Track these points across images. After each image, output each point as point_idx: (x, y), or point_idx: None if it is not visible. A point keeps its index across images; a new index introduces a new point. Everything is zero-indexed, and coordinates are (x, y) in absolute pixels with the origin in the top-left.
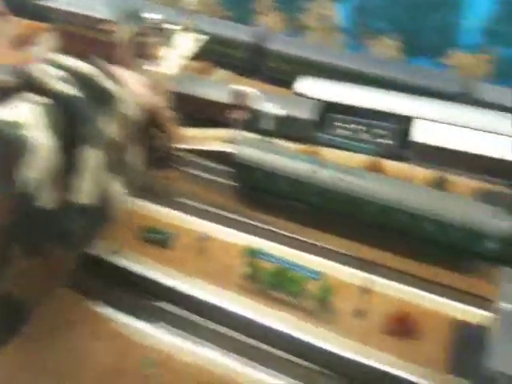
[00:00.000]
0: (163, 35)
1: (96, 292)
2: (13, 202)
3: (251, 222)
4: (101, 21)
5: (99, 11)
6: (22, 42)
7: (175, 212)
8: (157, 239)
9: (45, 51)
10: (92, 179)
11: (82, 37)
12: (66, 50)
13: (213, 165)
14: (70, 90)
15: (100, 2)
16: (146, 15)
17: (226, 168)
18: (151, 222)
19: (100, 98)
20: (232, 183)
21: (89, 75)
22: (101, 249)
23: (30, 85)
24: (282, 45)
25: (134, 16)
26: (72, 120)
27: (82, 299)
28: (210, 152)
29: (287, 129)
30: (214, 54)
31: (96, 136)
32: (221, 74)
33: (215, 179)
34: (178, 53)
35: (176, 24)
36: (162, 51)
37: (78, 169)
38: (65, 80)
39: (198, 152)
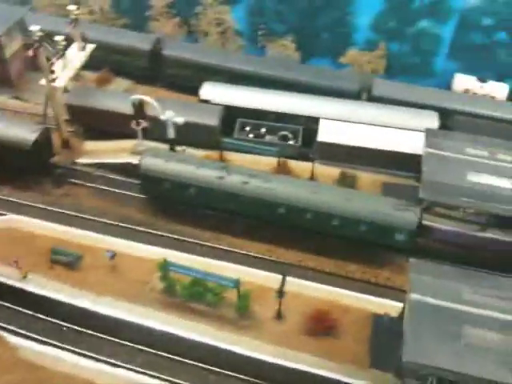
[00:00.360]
0: (53, 46)
1: (6, 321)
2: None
3: (162, 233)
4: None
5: None
6: None
7: (81, 231)
8: (64, 261)
9: None
10: None
11: None
12: None
13: (119, 178)
14: None
15: None
16: (33, 27)
17: (133, 180)
18: (58, 243)
19: None
20: (139, 195)
21: None
22: (8, 275)
23: None
24: (180, 51)
25: (20, 29)
26: None
27: None
28: (115, 165)
29: (190, 136)
30: (111, 62)
31: None
32: (121, 82)
33: (122, 192)
34: (68, 64)
35: (65, 34)
36: (53, 63)
37: None
38: None
39: (102, 165)
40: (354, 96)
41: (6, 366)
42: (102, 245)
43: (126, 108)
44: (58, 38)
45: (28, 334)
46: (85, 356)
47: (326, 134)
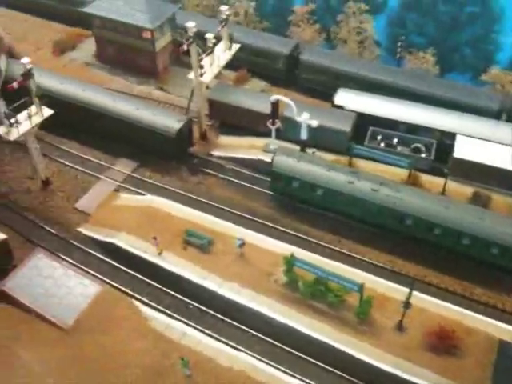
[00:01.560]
0: (202, 43)
1: (139, 291)
2: None
3: (286, 230)
4: (140, 28)
5: (138, 19)
6: (63, 47)
7: (214, 218)
8: (196, 243)
9: (83, 56)
10: None
11: (120, 44)
12: (103, 57)
13: (249, 172)
14: None
15: (139, 10)
16: (189, 23)
17: (261, 176)
18: (191, 226)
19: None
20: (267, 191)
21: None
22: (145, 250)
23: None
24: (317, 56)
25: (171, 25)
26: None
27: (125, 298)
28: (246, 160)
29: (321, 139)
30: (250, 63)
31: None
32: (256, 83)
33: (251, 186)
34: (214, 61)
35: (214, 33)
36: (201, 59)
37: None
38: None
39: (234, 159)
40: (494, 115)
41: (139, 334)
42: (231, 233)
43: (262, 107)
44: (209, 35)
45: (158, 306)
46: (207, 335)
47: (463, 150)
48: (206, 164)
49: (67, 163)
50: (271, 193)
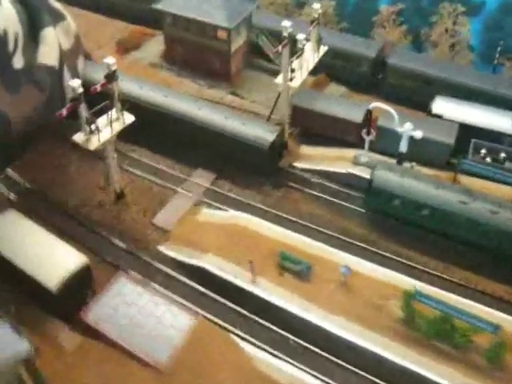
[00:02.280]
0: (290, 46)
1: (232, 322)
2: None
3: (384, 253)
4: (216, 28)
5: (215, 18)
6: (127, 46)
7: (308, 239)
8: (293, 269)
9: (148, 56)
10: (55, 51)
11: (191, 44)
12: (171, 57)
13: (337, 187)
14: None
15: (216, 7)
16: (285, 23)
17: (351, 192)
18: (283, 248)
19: (50, 10)
20: (358, 208)
21: None
22: (236, 275)
23: None
24: (406, 60)
25: (247, 24)
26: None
27: (221, 331)
28: (334, 173)
29: (419, 152)
30: (329, 67)
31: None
32: (335, 88)
33: (341, 203)
34: (303, 65)
35: (302, 35)
36: (289, 63)
37: (45, 41)
38: None
39: (320, 172)
40: None
41: (243, 377)
42: (329, 256)
43: (353, 115)
44: (300, 37)
45: (258, 343)
46: (316, 377)
47: None
48: (289, 176)
49: (140, 174)
50: (363, 210)
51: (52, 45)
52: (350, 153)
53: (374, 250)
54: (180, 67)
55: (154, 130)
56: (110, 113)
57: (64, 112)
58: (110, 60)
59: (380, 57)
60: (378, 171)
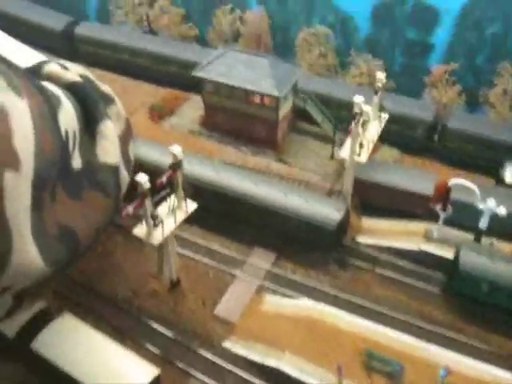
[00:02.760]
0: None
1: None
2: (58, 140)
3: (481, 346)
4: (264, 96)
5: (264, 86)
6: (161, 112)
7: (397, 333)
8: (382, 369)
9: (185, 123)
10: (115, 146)
11: (234, 111)
12: (211, 124)
13: (409, 265)
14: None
15: (264, 75)
16: (357, 98)
17: (426, 271)
18: (370, 345)
19: (101, 96)
20: (435, 291)
21: (89, 79)
22: (320, 379)
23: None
24: (468, 124)
25: (293, 89)
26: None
27: None
28: (404, 250)
29: (498, 227)
30: (384, 130)
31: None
32: (387, 151)
33: (417, 285)
34: (367, 137)
35: (368, 107)
36: (356, 135)
37: (103, 136)
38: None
39: (387, 249)
40: None
41: None
42: (420, 353)
43: (421, 187)
44: (366, 108)
45: None
46: None
47: None
48: (355, 254)
49: (194, 256)
50: (441, 292)
51: (112, 139)
52: (419, 226)
53: (464, 340)
54: (220, 134)
55: (207, 207)
56: (171, 202)
57: (130, 211)
58: (176, 148)
59: (436, 120)
60: (464, 252)
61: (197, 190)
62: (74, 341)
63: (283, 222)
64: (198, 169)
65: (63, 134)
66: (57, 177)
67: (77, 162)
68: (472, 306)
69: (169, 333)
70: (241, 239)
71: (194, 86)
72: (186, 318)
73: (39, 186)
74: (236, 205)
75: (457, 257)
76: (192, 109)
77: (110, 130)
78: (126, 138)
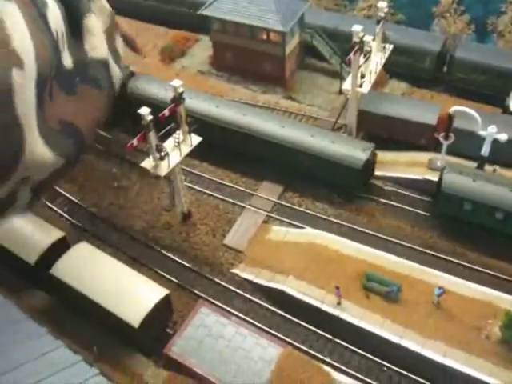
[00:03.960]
0: (360, 48)
1: (320, 350)
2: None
3: (480, 268)
4: (270, 31)
5: (268, 21)
6: (172, 54)
7: (396, 258)
8: (382, 290)
9: (195, 64)
10: (102, 40)
11: (242, 49)
12: (222, 62)
13: (415, 195)
14: None
15: (269, 10)
16: (353, 28)
17: (428, 199)
18: (368, 268)
19: None
20: (438, 218)
21: None
22: (322, 300)
23: None
24: (474, 53)
25: (299, 25)
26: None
27: (311, 361)
28: (409, 180)
29: (502, 154)
30: (390, 63)
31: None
32: (395, 85)
33: (420, 213)
34: (370, 68)
35: (369, 37)
36: (360, 66)
37: (89, 31)
38: None
39: (393, 179)
40: None
41: None
42: (417, 275)
43: (425, 117)
44: (368, 38)
45: (353, 372)
46: None
47: None
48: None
49: (204, 191)
50: (443, 220)
51: (97, 34)
52: (424, 157)
53: (463, 263)
54: (229, 73)
55: (220, 145)
56: (176, 136)
57: (135, 143)
58: (177, 83)
59: (444, 50)
60: (446, 175)
61: (214, 129)
62: (90, 266)
63: (309, 162)
64: (225, 110)
65: (54, 34)
66: (53, 76)
67: (67, 62)
68: (476, 234)
69: (181, 261)
70: (250, 175)
71: (204, 26)
72: (198, 247)
73: (41, 85)
74: (258, 144)
75: (440, 178)
76: (201, 50)
77: (94, 24)
78: (111, 32)
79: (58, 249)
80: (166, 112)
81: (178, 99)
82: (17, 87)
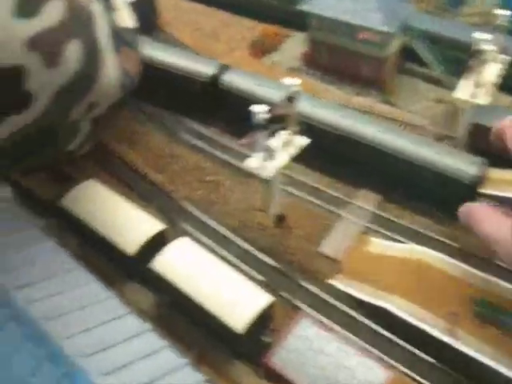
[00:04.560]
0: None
1: (426, 376)
2: None
3: None
4: (373, 31)
5: (372, 21)
6: (263, 48)
7: (507, 284)
8: (495, 319)
9: (286, 60)
10: (128, 13)
11: (339, 48)
12: (316, 60)
13: None
14: None
15: (372, 10)
16: (474, 35)
17: None
18: (483, 295)
19: None
20: None
21: None
22: (432, 326)
23: None
24: None
25: (402, 26)
26: None
27: None
28: None
29: None
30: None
31: None
32: (506, 99)
33: None
34: (488, 78)
35: (490, 46)
36: (475, 75)
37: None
38: None
39: (500, 199)
40: None
41: None
42: None
43: None
44: (488, 47)
45: None
46: None
47: None
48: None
49: (298, 194)
50: None
51: (123, 9)
52: None
53: None
54: (323, 72)
55: (316, 147)
56: (285, 136)
57: (244, 142)
58: (293, 81)
59: None
60: None
61: (319, 133)
62: (190, 262)
63: (413, 172)
64: (330, 115)
65: None
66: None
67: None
68: None
69: (279, 266)
70: (347, 181)
71: (296, 21)
72: (292, 251)
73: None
74: (358, 149)
75: None
76: (293, 45)
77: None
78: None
79: (157, 242)
80: (279, 110)
81: (293, 98)
82: (96, 15)
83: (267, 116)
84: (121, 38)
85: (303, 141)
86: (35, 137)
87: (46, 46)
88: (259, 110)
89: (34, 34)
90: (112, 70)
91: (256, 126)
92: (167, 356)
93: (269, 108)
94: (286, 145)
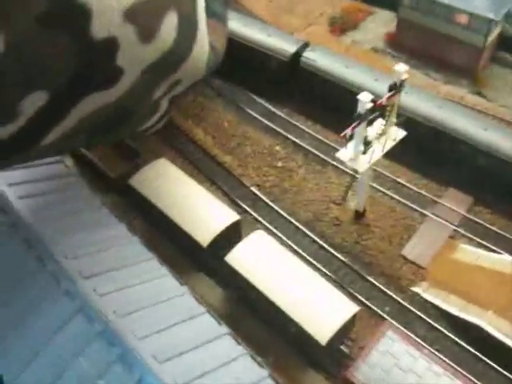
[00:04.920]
0: None
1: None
2: None
3: None
4: (474, 17)
5: (477, 6)
6: (343, 26)
7: None
8: None
9: (368, 39)
10: None
11: (431, 32)
12: (400, 44)
13: None
14: None
15: None
16: None
17: None
18: None
19: None
20: None
21: None
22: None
23: None
24: None
25: (507, 17)
26: None
27: None
28: None
29: None
30: None
31: None
32: None
33: None
34: None
35: None
36: None
37: None
38: None
39: None
40: None
41: None
42: None
43: None
44: None
45: None
46: None
47: None
48: None
49: (379, 188)
50: None
51: None
52: None
53: None
54: (408, 55)
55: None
56: (382, 127)
57: (348, 132)
58: (402, 67)
59: None
60: None
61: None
62: (266, 259)
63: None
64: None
65: None
66: None
67: None
68: None
69: (354, 266)
70: (434, 177)
71: None
72: (371, 253)
73: None
74: (450, 144)
75: None
76: (377, 24)
77: None
78: None
79: (230, 232)
80: (384, 100)
81: (399, 87)
82: None
83: (371, 105)
84: (210, 9)
85: (400, 133)
86: (113, 115)
87: (143, 19)
88: (365, 99)
89: (132, 5)
90: (201, 47)
91: (358, 115)
92: (246, 365)
93: (373, 97)
94: (380, 136)
